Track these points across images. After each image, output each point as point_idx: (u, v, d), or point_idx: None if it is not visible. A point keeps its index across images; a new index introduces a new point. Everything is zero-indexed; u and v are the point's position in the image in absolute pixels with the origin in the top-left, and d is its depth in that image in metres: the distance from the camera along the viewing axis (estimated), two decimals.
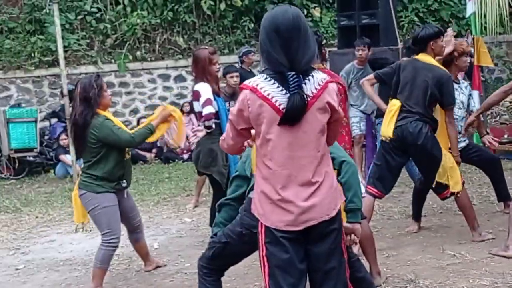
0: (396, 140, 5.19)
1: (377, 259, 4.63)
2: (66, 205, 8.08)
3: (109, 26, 12.39)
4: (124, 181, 4.86)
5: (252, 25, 13.04)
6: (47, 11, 11.64)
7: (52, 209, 7.96)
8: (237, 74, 7.16)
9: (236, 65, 8.75)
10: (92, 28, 12.44)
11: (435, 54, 5.31)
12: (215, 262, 3.59)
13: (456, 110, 5.61)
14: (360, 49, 7.89)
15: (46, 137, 11.18)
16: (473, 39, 8.42)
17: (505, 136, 8.94)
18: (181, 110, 11.41)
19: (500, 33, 8.28)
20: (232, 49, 12.65)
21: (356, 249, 5.03)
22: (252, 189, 3.40)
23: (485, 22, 8.34)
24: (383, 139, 5.29)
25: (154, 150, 11.30)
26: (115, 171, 4.76)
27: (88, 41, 12.41)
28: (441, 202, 6.11)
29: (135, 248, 5.25)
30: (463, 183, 5.43)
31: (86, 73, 12.04)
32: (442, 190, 5.38)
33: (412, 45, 5.53)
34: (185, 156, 10.83)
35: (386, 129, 5.25)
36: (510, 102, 10.20)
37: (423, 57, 5.29)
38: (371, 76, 5.73)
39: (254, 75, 8.97)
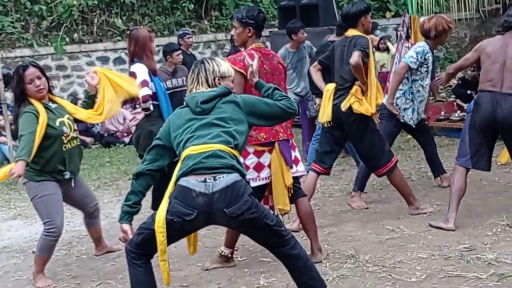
0: (333, 119, 5.31)
1: (318, 236, 4.68)
2: (4, 192, 7.88)
3: (44, 7, 12.03)
4: (67, 172, 4.69)
5: (192, 6, 12.90)
6: None
7: None
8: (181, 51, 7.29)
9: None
10: (27, 10, 12.06)
11: (364, 30, 5.35)
12: (144, 248, 3.48)
13: (427, 80, 5.85)
14: (300, 33, 7.94)
15: None
16: (410, 18, 8.54)
17: (442, 113, 9.17)
18: None
19: (436, 12, 8.41)
20: (172, 30, 12.51)
21: (296, 224, 5.10)
22: (183, 175, 3.37)
23: (421, 2, 8.47)
24: (323, 125, 5.37)
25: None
26: (52, 162, 4.59)
27: (23, 23, 12.03)
28: (380, 178, 6.22)
29: (88, 231, 5.19)
30: (396, 161, 5.51)
31: (21, 57, 11.67)
32: (378, 167, 5.47)
33: (343, 22, 5.58)
34: (126, 140, 10.68)
35: (323, 114, 5.35)
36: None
37: (353, 33, 5.33)
38: (316, 63, 5.69)
39: (193, 57, 8.97)
